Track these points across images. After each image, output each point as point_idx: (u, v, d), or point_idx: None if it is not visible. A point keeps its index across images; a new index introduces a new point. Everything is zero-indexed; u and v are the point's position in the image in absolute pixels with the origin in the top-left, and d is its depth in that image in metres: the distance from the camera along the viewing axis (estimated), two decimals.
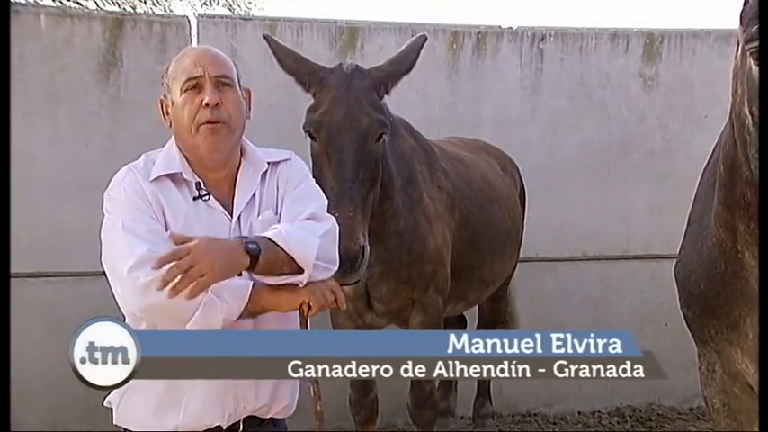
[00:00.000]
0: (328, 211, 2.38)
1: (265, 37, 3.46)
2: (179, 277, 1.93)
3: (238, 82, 2.30)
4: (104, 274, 2.17)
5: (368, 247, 3.06)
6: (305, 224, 2.21)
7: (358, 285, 3.48)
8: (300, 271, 2.13)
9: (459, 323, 4.91)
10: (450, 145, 4.30)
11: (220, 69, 2.23)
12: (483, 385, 4.89)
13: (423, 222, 3.58)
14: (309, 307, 2.15)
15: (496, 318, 4.83)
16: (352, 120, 3.13)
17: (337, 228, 2.33)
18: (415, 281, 3.56)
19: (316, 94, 3.27)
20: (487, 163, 4.43)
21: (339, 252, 2.33)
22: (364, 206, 3.12)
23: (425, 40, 3.53)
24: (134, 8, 11.87)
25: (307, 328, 2.19)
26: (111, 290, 2.13)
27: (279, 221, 2.25)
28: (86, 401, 4.46)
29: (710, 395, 2.58)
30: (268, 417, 2.30)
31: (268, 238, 2.09)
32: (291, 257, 2.10)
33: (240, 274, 2.10)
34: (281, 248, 2.09)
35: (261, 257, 2.05)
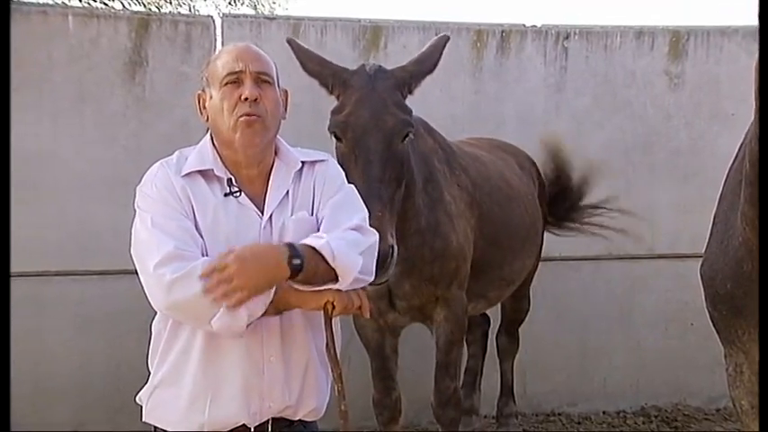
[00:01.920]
0: None
1: (288, 41, 3.47)
2: (220, 288, 1.95)
3: (277, 81, 2.32)
4: (131, 272, 2.19)
5: (396, 247, 3.06)
6: (350, 235, 2.20)
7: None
8: (336, 280, 2.13)
9: (483, 323, 4.90)
10: (466, 144, 4.29)
11: (261, 66, 2.26)
12: (506, 384, 4.89)
13: (444, 220, 3.58)
14: (333, 306, 2.15)
15: (519, 317, 4.82)
16: (377, 120, 3.14)
17: (377, 242, 2.32)
18: (438, 278, 3.56)
19: (340, 96, 3.28)
20: (505, 161, 4.42)
21: None
22: (392, 205, 3.12)
23: (448, 39, 3.54)
24: (159, 8, 11.97)
25: (331, 326, 2.19)
26: (141, 285, 2.14)
27: (317, 224, 2.25)
28: (112, 400, 4.54)
29: (739, 396, 2.55)
30: (296, 419, 2.30)
31: (314, 248, 2.09)
32: (332, 268, 2.10)
33: None
34: (325, 260, 2.09)
35: (302, 273, 2.05)
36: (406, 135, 3.22)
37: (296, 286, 2.11)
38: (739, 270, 2.39)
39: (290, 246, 2.06)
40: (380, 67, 3.34)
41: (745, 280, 2.37)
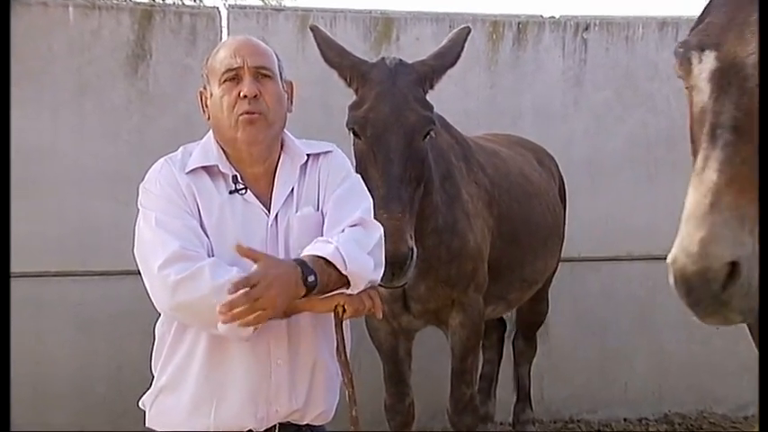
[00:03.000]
0: (376, 212, 2.38)
1: (311, 28, 3.46)
2: (245, 305, 1.93)
3: (280, 74, 2.30)
4: (134, 273, 2.18)
5: (416, 249, 3.05)
6: (355, 235, 2.19)
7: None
8: (348, 285, 2.13)
9: (499, 326, 4.88)
10: (483, 140, 4.27)
11: (260, 60, 2.24)
12: (523, 390, 4.86)
13: (462, 219, 3.56)
14: (344, 309, 2.15)
15: (537, 320, 4.80)
16: (398, 116, 3.12)
17: (382, 233, 2.31)
18: (455, 280, 3.55)
19: (358, 90, 3.27)
20: (524, 157, 4.40)
21: (387, 255, 2.34)
22: (411, 206, 3.11)
23: (469, 32, 3.52)
24: None
25: (342, 330, 2.18)
26: (144, 286, 2.14)
27: (322, 219, 2.25)
28: (114, 404, 4.54)
29: None
30: (304, 423, 2.29)
31: (325, 259, 2.08)
32: (344, 275, 2.10)
33: None
34: (337, 268, 2.08)
35: (316, 288, 2.05)
36: (428, 132, 3.21)
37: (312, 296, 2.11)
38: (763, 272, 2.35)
39: (302, 264, 2.05)
40: (401, 60, 3.33)
41: None
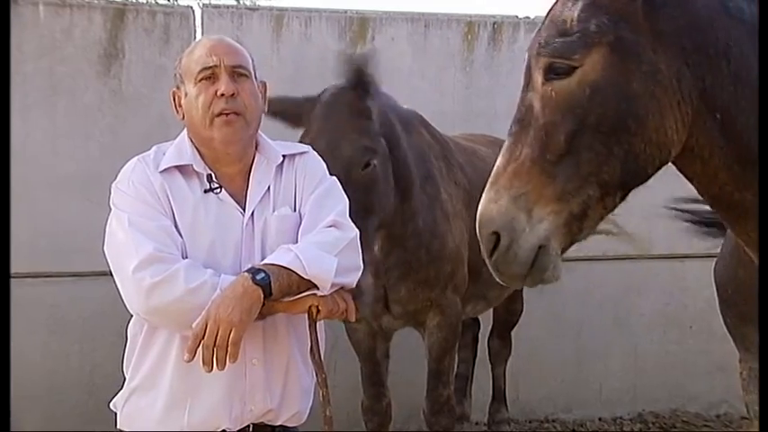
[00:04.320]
0: None
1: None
2: (213, 352, 1.98)
3: (254, 74, 2.30)
4: (106, 274, 2.18)
5: (371, 281, 3.03)
6: (325, 236, 2.21)
7: (376, 288, 3.47)
8: (317, 287, 2.13)
9: (473, 326, 4.90)
10: (462, 139, 4.29)
11: (237, 59, 2.24)
12: (499, 390, 4.89)
13: (441, 221, 3.59)
14: (318, 311, 2.16)
15: (512, 319, 4.83)
16: (333, 150, 3.07)
17: (357, 235, 2.32)
18: (434, 282, 3.57)
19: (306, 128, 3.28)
20: None
21: None
22: (364, 237, 3.08)
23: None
24: None
25: (315, 330, 2.19)
26: (116, 287, 2.14)
27: (300, 220, 2.26)
28: (87, 405, 4.51)
29: (752, 401, 2.56)
30: (278, 424, 2.30)
31: (282, 266, 2.08)
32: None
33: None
34: (297, 274, 2.08)
35: (273, 287, 2.05)
36: (368, 164, 3.18)
37: (284, 300, 2.11)
38: (734, 276, 2.40)
39: (249, 269, 2.08)
40: (342, 87, 3.29)
41: (740, 286, 2.38)
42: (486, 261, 2.01)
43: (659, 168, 1.99)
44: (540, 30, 1.99)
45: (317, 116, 3.22)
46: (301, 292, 2.12)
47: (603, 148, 1.89)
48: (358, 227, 3.02)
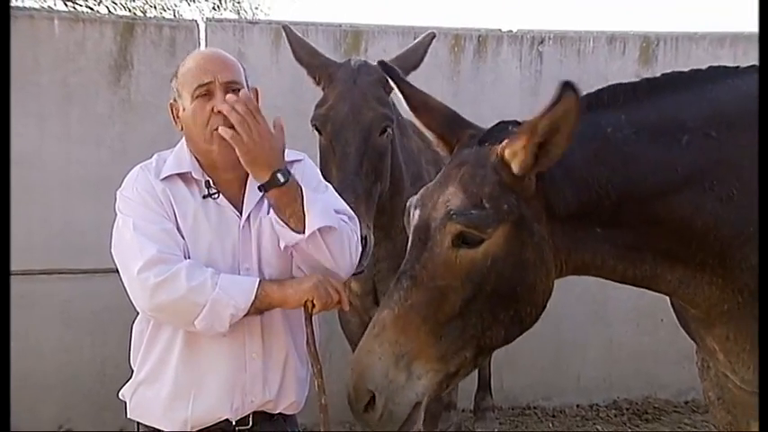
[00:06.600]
0: None
1: (284, 27, 3.47)
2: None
3: (246, 83, 2.28)
4: (115, 271, 2.18)
5: (372, 238, 3.06)
6: (335, 205, 2.26)
7: (366, 281, 3.48)
8: (299, 232, 2.12)
9: None
10: None
11: (230, 75, 2.21)
12: (484, 379, 4.90)
13: None
14: (314, 305, 2.16)
15: None
16: (356, 114, 3.14)
17: (359, 229, 2.33)
18: None
19: (324, 89, 3.29)
20: None
21: None
22: (368, 198, 3.11)
23: (434, 37, 3.55)
24: (144, 13, 11.89)
25: (311, 324, 2.20)
26: (123, 285, 2.14)
27: None
28: (98, 397, 4.51)
29: (706, 388, 2.58)
30: (277, 412, 2.31)
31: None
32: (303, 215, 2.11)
33: (249, 268, 2.15)
34: (302, 203, 2.10)
35: (281, 187, 2.10)
36: (385, 129, 3.22)
37: (272, 215, 2.15)
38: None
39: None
40: (365, 62, 3.35)
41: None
42: (354, 412, 1.94)
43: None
44: (442, 192, 1.96)
45: (342, 79, 3.24)
46: (288, 227, 2.13)
47: (490, 314, 1.91)
48: (366, 188, 3.07)
